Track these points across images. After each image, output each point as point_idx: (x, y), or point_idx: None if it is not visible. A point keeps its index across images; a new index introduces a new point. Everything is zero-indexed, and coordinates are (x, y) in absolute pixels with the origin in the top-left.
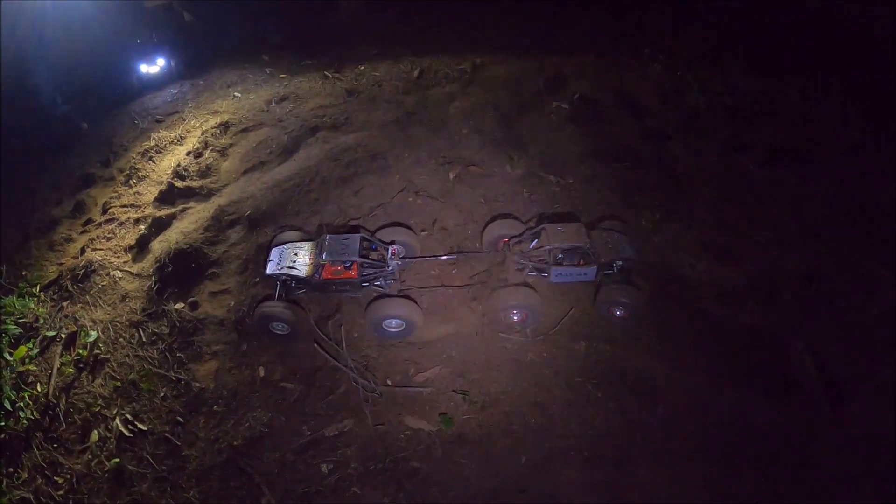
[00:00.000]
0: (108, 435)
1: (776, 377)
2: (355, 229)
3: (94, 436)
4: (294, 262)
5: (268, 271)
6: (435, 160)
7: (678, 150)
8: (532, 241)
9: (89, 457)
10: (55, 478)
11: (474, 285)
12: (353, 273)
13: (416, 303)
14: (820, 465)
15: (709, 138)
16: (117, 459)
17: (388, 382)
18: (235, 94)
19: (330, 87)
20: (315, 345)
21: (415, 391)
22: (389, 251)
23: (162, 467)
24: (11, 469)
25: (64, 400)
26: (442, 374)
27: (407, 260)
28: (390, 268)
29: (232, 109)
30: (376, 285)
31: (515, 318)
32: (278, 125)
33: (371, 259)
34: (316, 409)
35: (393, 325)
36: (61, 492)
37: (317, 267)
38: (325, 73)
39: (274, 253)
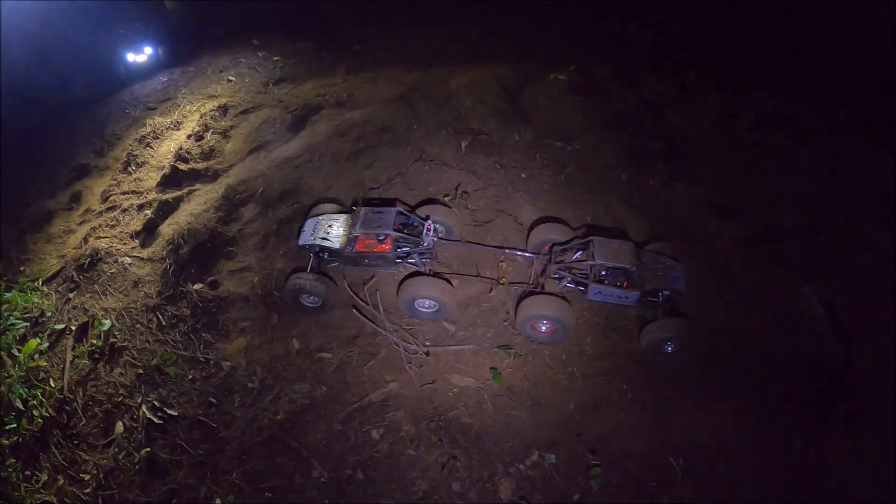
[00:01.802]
0: (135, 425)
1: (790, 321)
2: (392, 202)
3: (119, 427)
4: (328, 233)
5: (300, 241)
6: (445, 131)
7: (674, 118)
8: (576, 253)
9: (115, 450)
10: (80, 475)
11: (511, 284)
12: (387, 247)
13: (450, 283)
14: (836, 399)
15: (701, 108)
16: (148, 449)
17: (428, 343)
18: (229, 77)
19: (328, 66)
20: (353, 310)
21: (457, 350)
22: (425, 227)
23: (198, 452)
24: (29, 472)
25: (81, 393)
26: (481, 331)
27: (445, 241)
28: (426, 244)
29: (228, 93)
30: (410, 262)
31: (543, 328)
32: (279, 105)
33: (406, 234)
34: (358, 377)
35: (426, 305)
36: (88, 490)
37: (350, 239)
38: (322, 53)
39: (308, 223)
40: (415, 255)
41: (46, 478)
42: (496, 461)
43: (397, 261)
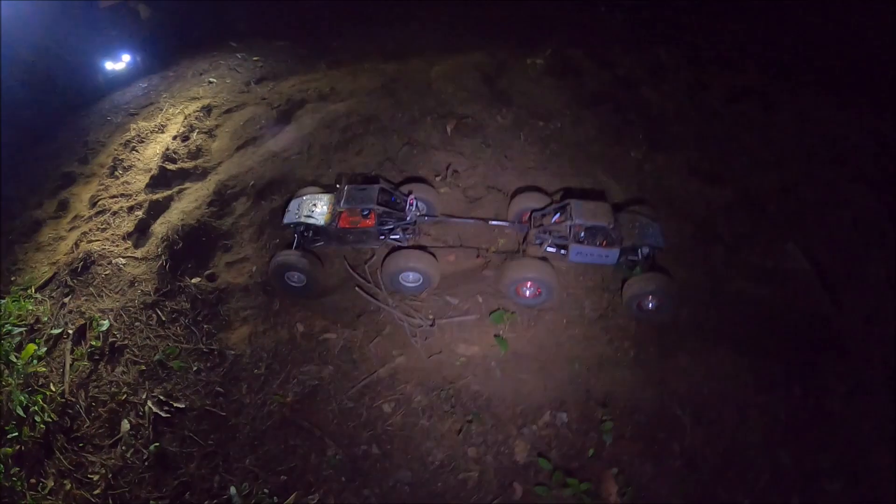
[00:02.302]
0: (141, 421)
1: (777, 276)
2: (374, 180)
3: (125, 425)
4: (312, 211)
5: (285, 220)
6: (429, 117)
7: (649, 94)
8: (554, 216)
9: (123, 448)
10: (88, 477)
11: (492, 251)
12: (371, 222)
13: (433, 256)
14: (828, 346)
15: (674, 83)
16: (157, 444)
17: (431, 316)
18: (210, 79)
19: (308, 63)
20: (356, 288)
21: (460, 320)
22: (408, 202)
23: (209, 442)
24: (34, 480)
25: (83, 395)
26: (483, 302)
27: (428, 218)
28: (409, 218)
29: (210, 94)
30: (393, 238)
31: (528, 292)
32: (262, 103)
33: (389, 209)
34: (364, 354)
35: (410, 278)
36: (98, 491)
37: (334, 215)
38: (301, 51)
39: (293, 204)
40: (398, 231)
41: (53, 484)
42: (509, 424)
43: (381, 237)
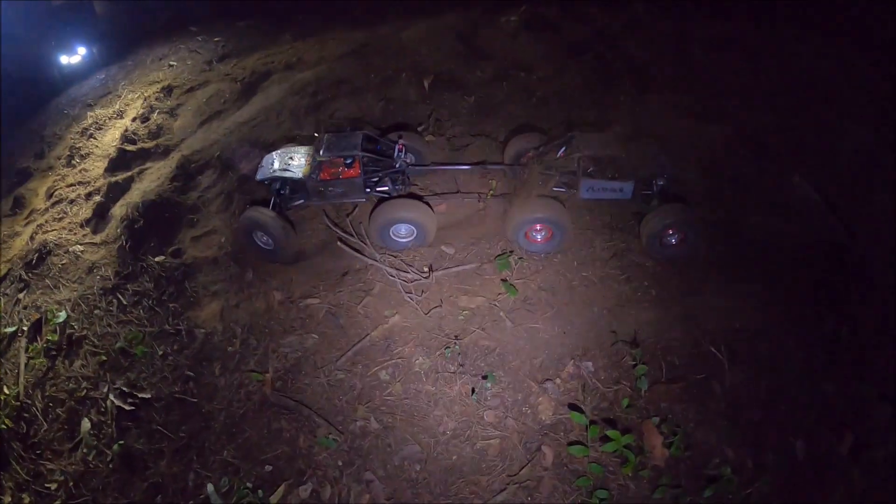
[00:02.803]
0: (103, 418)
1: (787, 208)
2: (357, 128)
3: (86, 424)
4: (289, 164)
5: (258, 177)
6: (404, 74)
7: (631, 46)
8: (560, 150)
9: (84, 450)
10: (46, 485)
11: (491, 195)
12: (356, 172)
13: (429, 206)
14: (848, 274)
15: (653, 35)
16: (120, 442)
17: (426, 270)
18: (171, 63)
19: (272, 38)
20: (339, 242)
21: (459, 270)
22: (396, 148)
23: (180, 435)
24: None
25: (39, 396)
26: (483, 249)
27: (418, 168)
28: (398, 165)
29: (171, 76)
30: (381, 190)
31: (538, 236)
32: (226, 79)
33: (376, 156)
34: (353, 317)
35: (402, 231)
36: (58, 502)
37: (314, 166)
38: (264, 27)
39: (266, 159)
40: (386, 181)
41: (10, 499)
42: (528, 380)
43: (367, 190)
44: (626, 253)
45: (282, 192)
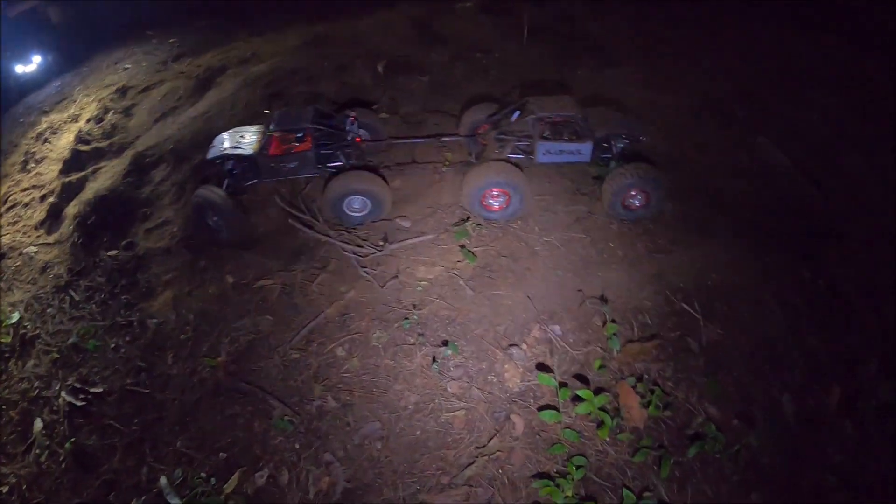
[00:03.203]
0: (56, 417)
1: (754, 170)
2: (310, 101)
3: (38, 424)
4: (239, 143)
5: (209, 156)
6: (359, 62)
7: (591, 26)
8: (514, 115)
9: (37, 451)
10: None
11: (447, 165)
12: (307, 146)
13: (383, 178)
14: (827, 233)
15: (615, 16)
16: (73, 440)
17: (381, 243)
18: (125, 66)
19: (227, 36)
20: (290, 221)
21: (416, 242)
22: (348, 121)
23: (133, 428)
24: None
25: None
26: (440, 220)
27: (373, 143)
28: (349, 137)
29: (126, 77)
30: (333, 165)
31: (496, 203)
32: (180, 77)
33: (327, 128)
34: (308, 296)
35: (355, 205)
36: None
37: (264, 141)
38: (219, 26)
39: (217, 139)
40: (339, 155)
41: None
42: (492, 348)
43: (319, 165)
44: (589, 217)
45: (234, 171)
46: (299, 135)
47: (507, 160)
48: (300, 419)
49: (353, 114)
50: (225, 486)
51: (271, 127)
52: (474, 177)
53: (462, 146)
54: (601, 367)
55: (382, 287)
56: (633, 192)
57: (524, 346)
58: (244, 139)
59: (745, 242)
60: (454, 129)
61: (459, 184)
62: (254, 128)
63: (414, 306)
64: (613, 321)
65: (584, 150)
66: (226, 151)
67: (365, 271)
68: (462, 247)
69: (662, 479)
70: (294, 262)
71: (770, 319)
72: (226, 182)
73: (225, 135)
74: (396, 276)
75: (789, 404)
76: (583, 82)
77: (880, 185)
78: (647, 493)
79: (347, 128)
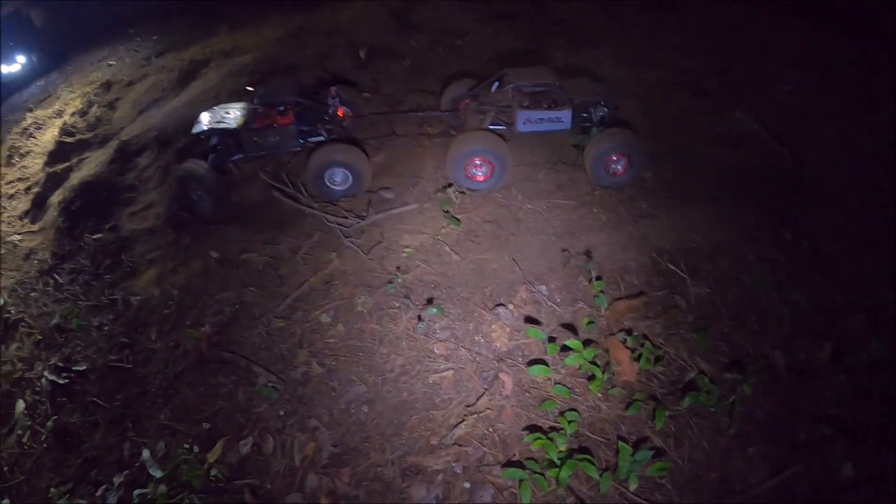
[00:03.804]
0: (38, 397)
1: (730, 139)
2: (291, 76)
3: (20, 405)
4: (224, 118)
5: (194, 131)
6: (341, 50)
7: (562, 10)
8: (493, 86)
9: (19, 432)
10: None
11: (432, 136)
12: (288, 119)
13: (363, 151)
14: (804, 195)
15: (586, 0)
16: (55, 418)
17: (365, 214)
18: (109, 63)
19: (208, 31)
20: (273, 192)
21: (399, 212)
22: (329, 94)
23: (115, 404)
24: None
25: None
26: (423, 189)
27: (356, 119)
28: (331, 110)
29: (110, 73)
30: (314, 140)
31: (479, 173)
32: (164, 70)
33: (308, 101)
34: (292, 267)
35: (337, 179)
36: None
37: (249, 116)
38: (200, 23)
39: (202, 115)
40: (320, 129)
41: None
42: (479, 309)
43: (301, 140)
44: (571, 184)
45: (218, 146)
46: (281, 108)
47: (489, 130)
48: (284, 386)
49: (333, 88)
50: (208, 456)
51: (255, 101)
52: (457, 147)
53: (443, 121)
54: (589, 323)
55: (367, 254)
56: (615, 157)
57: (511, 307)
58: (228, 115)
59: (725, 206)
60: (435, 106)
61: (442, 156)
62: (238, 104)
63: (398, 269)
64: (599, 278)
65: (564, 117)
66: (211, 126)
67: (349, 241)
68: (446, 212)
69: (657, 432)
70: (278, 235)
71: (755, 277)
72: (210, 157)
73: (207, 112)
74: (380, 242)
75: (780, 358)
76: (559, 62)
77: (851, 151)
78: (642, 445)
79: (329, 101)
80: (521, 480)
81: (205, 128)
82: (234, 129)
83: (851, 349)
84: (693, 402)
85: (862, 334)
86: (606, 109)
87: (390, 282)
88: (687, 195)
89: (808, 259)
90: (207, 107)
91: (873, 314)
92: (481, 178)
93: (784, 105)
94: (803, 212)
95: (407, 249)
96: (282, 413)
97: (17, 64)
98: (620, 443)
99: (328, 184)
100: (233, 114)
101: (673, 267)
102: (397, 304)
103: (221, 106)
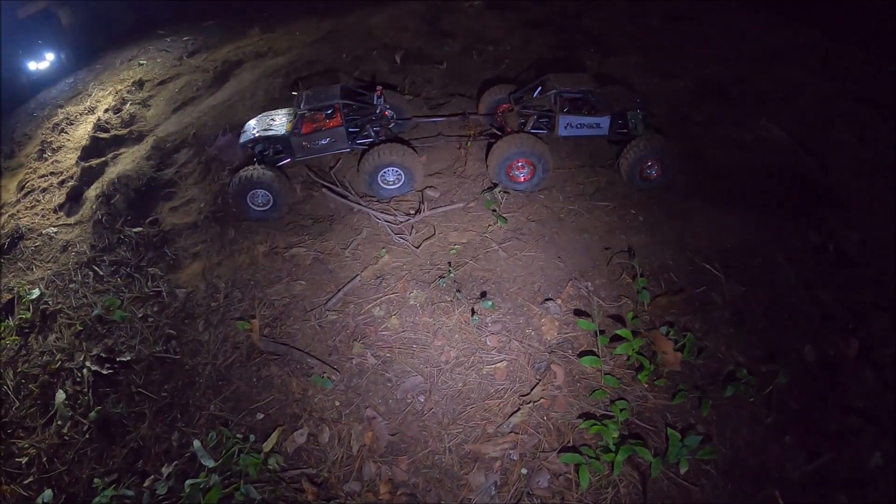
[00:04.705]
0: (79, 388)
1: (757, 145)
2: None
3: (60, 395)
4: (270, 125)
5: (241, 140)
6: (375, 51)
7: (590, 21)
8: (535, 91)
9: (59, 423)
10: (17, 460)
11: (478, 138)
12: (338, 121)
13: (413, 149)
14: (828, 201)
15: (612, 11)
16: (98, 409)
17: (412, 212)
18: (140, 62)
19: (240, 33)
20: (324, 190)
21: (446, 210)
22: (375, 95)
23: (163, 395)
24: None
25: (11, 374)
26: (468, 189)
27: (401, 121)
28: (378, 110)
29: (142, 72)
30: (361, 143)
31: (521, 174)
32: (197, 70)
33: (356, 103)
34: (341, 262)
35: (390, 177)
36: (29, 479)
37: (296, 121)
38: (231, 25)
39: (248, 124)
40: (369, 130)
41: None
42: (528, 304)
43: (349, 142)
44: (609, 187)
45: (265, 153)
46: (329, 111)
47: (531, 133)
48: (340, 377)
49: (379, 88)
50: (264, 445)
51: (301, 106)
52: (500, 149)
53: (482, 123)
54: (634, 318)
55: (417, 248)
56: (650, 163)
57: (559, 301)
58: (274, 122)
59: (752, 209)
60: (474, 109)
61: (482, 157)
62: (282, 111)
63: (450, 265)
64: (643, 275)
65: (603, 123)
66: (259, 134)
67: (399, 238)
68: (494, 211)
69: (702, 420)
70: (326, 231)
71: (784, 278)
72: (254, 161)
73: (253, 121)
74: (429, 239)
75: (811, 353)
76: (591, 70)
77: (873, 157)
78: (690, 431)
79: (375, 101)
80: (578, 465)
81: (253, 136)
82: (284, 136)
83: (877, 345)
84: (734, 391)
85: (886, 332)
86: (642, 116)
87: (441, 277)
88: (717, 198)
89: (833, 261)
90: (244, 108)
91: None
92: (522, 180)
93: (806, 112)
94: (827, 215)
95: (455, 247)
96: (337, 403)
97: (45, 61)
98: (669, 430)
99: (381, 184)
100: (278, 120)
101: (708, 266)
102: (449, 298)
103: (265, 114)
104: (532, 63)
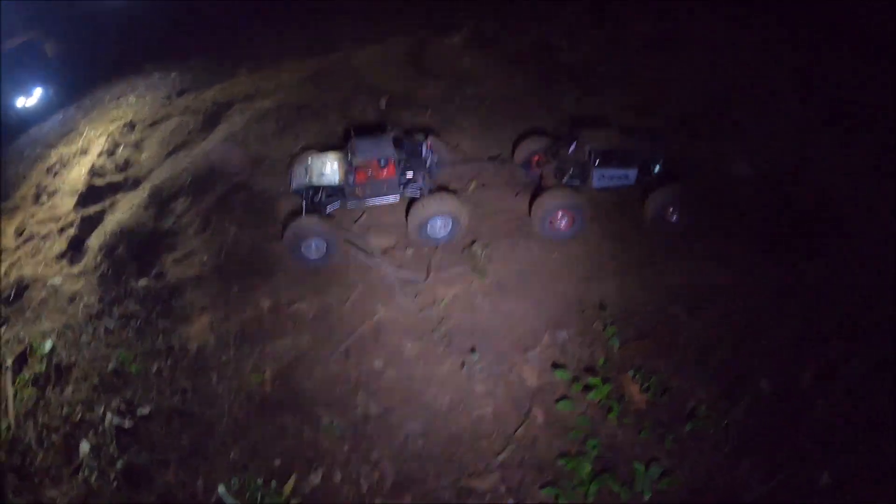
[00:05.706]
0: (102, 439)
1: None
2: (381, 128)
3: (84, 447)
4: (322, 172)
5: (294, 187)
6: (364, 96)
7: (568, 56)
8: (570, 146)
9: (85, 472)
10: None
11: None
12: (391, 172)
13: (457, 197)
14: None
15: (590, 42)
16: (122, 458)
17: (419, 275)
18: (129, 100)
19: (227, 72)
20: (345, 241)
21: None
22: (425, 146)
23: (183, 444)
24: None
25: (32, 426)
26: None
27: (440, 164)
28: (428, 163)
29: (132, 112)
30: (413, 188)
31: (562, 222)
32: (187, 111)
33: (409, 155)
34: (341, 316)
35: (438, 224)
36: None
37: (349, 171)
38: (218, 63)
39: (297, 168)
40: (418, 178)
41: None
42: (511, 353)
43: (401, 185)
44: (588, 236)
45: (315, 198)
46: (383, 162)
47: (569, 187)
48: (347, 424)
49: (429, 140)
50: (284, 488)
51: (358, 157)
52: (543, 204)
53: (517, 174)
54: (604, 363)
55: (413, 300)
56: (671, 210)
57: (537, 350)
58: (326, 167)
59: (723, 245)
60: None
61: (481, 204)
62: (331, 155)
63: (442, 319)
64: (612, 324)
65: (632, 174)
66: (312, 182)
67: (401, 294)
68: (474, 266)
69: (666, 452)
70: (326, 288)
71: (746, 313)
72: (304, 206)
73: (304, 163)
74: (418, 295)
75: (766, 385)
76: (570, 107)
77: (847, 188)
78: (653, 463)
79: (424, 154)
80: (557, 496)
81: (306, 184)
82: (338, 186)
83: (831, 374)
84: (694, 426)
85: (842, 362)
86: (661, 165)
87: (433, 330)
88: (687, 237)
89: (798, 295)
90: (238, 154)
91: (854, 343)
92: (563, 227)
93: (778, 137)
94: (797, 246)
95: (444, 301)
96: (346, 448)
97: (33, 97)
98: (635, 463)
99: (430, 231)
100: (330, 167)
101: (673, 309)
102: (440, 350)
103: (316, 157)
104: (513, 101)
